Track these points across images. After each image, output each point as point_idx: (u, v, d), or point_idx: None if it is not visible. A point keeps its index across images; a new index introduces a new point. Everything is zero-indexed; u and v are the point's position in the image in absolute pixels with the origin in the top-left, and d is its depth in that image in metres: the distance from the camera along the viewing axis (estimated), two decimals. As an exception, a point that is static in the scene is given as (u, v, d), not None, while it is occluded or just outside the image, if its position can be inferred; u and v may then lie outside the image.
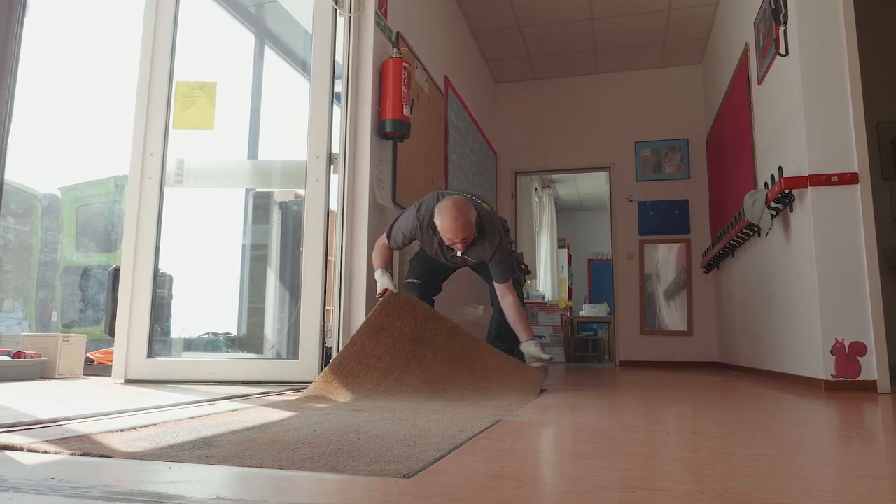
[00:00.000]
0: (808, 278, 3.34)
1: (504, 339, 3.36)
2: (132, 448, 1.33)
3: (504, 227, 3.28)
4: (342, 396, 2.51)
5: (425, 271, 3.37)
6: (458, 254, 3.03)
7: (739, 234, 4.58)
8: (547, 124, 7.01)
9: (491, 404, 2.29)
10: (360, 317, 3.26)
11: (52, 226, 5.00)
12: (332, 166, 3.32)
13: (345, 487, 1.01)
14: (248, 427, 1.65)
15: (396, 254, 3.54)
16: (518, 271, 3.50)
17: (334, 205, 3.38)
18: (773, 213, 3.77)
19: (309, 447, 1.35)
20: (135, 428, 1.61)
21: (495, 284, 3.16)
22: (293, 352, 3.41)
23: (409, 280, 3.39)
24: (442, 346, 2.91)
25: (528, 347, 3.08)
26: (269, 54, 4.56)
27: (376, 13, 3.58)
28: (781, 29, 3.61)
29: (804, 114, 3.33)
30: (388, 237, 3.14)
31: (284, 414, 1.94)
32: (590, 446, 1.43)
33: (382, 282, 3.06)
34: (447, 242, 2.96)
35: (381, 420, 1.81)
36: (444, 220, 2.87)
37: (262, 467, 1.15)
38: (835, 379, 3.09)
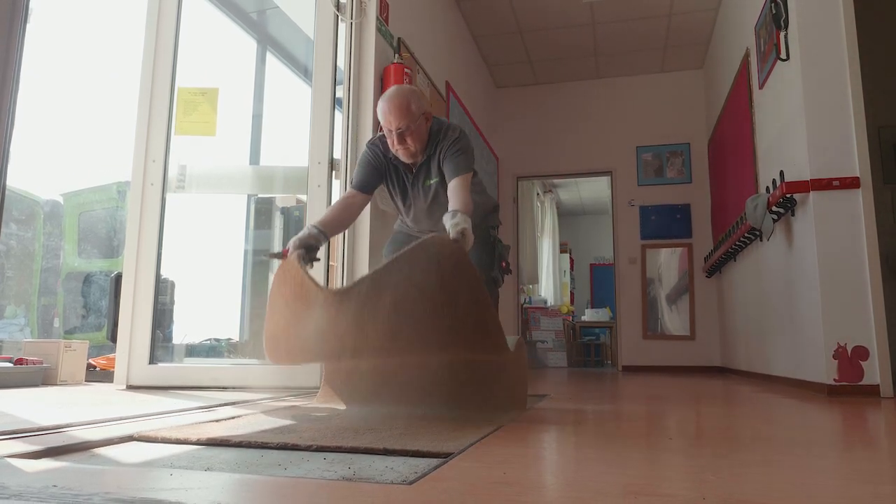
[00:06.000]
0: (810, 282, 3.33)
1: None
2: (230, 433, 1.58)
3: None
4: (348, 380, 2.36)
5: None
6: (410, 169, 2.44)
7: (741, 239, 4.58)
8: (548, 129, 7.02)
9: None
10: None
11: (54, 232, 5.01)
12: (333, 172, 3.33)
13: (346, 495, 1.01)
14: (317, 417, 1.98)
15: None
16: (498, 269, 2.94)
17: (336, 210, 3.37)
18: (775, 217, 3.77)
19: (374, 433, 1.61)
20: (227, 420, 1.92)
21: (449, 184, 2.33)
22: (295, 357, 3.40)
23: None
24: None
25: (453, 217, 2.14)
26: (271, 60, 4.57)
27: (378, 19, 3.59)
28: (782, 34, 3.61)
29: (805, 118, 3.33)
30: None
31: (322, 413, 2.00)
32: (592, 452, 1.42)
33: (294, 241, 2.26)
34: (387, 135, 2.36)
35: (414, 412, 2.08)
36: (380, 102, 2.36)
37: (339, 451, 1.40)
38: (837, 383, 3.08)
